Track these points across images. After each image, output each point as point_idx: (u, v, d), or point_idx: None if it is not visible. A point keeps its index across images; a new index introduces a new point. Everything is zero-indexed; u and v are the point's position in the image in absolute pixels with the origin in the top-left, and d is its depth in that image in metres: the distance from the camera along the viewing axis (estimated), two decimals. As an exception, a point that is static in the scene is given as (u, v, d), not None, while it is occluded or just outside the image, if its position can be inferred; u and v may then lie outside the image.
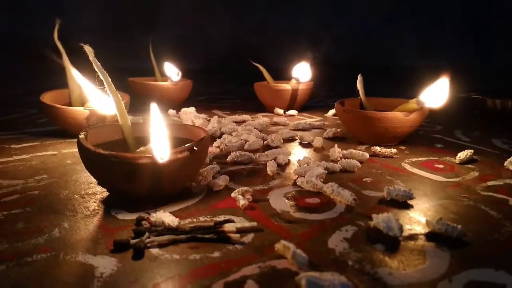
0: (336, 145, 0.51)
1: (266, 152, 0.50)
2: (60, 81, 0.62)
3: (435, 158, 0.52)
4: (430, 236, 0.31)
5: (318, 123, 0.73)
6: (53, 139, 0.58)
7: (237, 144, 0.54)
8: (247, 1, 1.88)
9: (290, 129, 0.67)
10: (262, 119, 0.73)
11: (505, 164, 0.48)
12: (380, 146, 0.54)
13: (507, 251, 0.29)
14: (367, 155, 0.50)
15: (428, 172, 0.46)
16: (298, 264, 0.26)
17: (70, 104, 0.61)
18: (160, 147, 0.34)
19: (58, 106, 0.57)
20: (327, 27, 1.89)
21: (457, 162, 0.49)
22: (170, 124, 0.43)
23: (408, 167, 0.48)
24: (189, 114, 0.76)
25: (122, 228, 0.31)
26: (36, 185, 0.40)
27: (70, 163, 0.48)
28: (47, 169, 0.45)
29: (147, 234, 0.29)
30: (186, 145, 0.36)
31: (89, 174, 0.38)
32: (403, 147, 0.57)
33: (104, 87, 0.40)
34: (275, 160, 0.48)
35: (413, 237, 0.31)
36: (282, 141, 0.58)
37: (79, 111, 0.56)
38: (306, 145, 0.58)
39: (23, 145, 0.55)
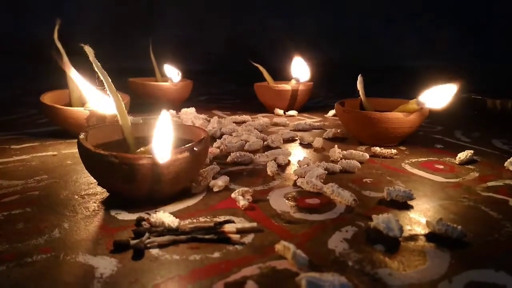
0: (336, 146, 0.51)
1: (266, 153, 0.50)
2: (60, 81, 0.62)
3: (435, 158, 0.52)
4: (430, 236, 0.31)
5: (318, 123, 0.73)
6: (53, 140, 0.58)
7: (237, 145, 0.54)
8: (247, 2, 1.88)
9: (290, 130, 0.67)
10: (262, 119, 0.73)
11: (505, 165, 0.48)
12: (380, 146, 0.54)
13: (508, 251, 0.29)
14: (367, 155, 0.50)
15: (428, 173, 0.46)
16: (298, 265, 0.26)
17: (70, 105, 0.61)
18: (160, 147, 0.34)
19: (58, 106, 0.57)
20: (327, 27, 1.89)
21: (457, 163, 0.49)
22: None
23: (408, 167, 0.48)
24: (189, 115, 0.76)
25: (122, 229, 0.31)
26: (36, 186, 0.40)
27: (70, 163, 0.48)
28: (47, 170, 0.45)
29: (147, 234, 0.29)
30: (186, 145, 0.36)
31: (89, 175, 0.38)
32: (403, 148, 0.57)
33: (104, 88, 0.40)
34: (275, 160, 0.48)
35: (413, 237, 0.31)
36: (282, 141, 0.58)
37: (79, 112, 0.56)
38: (306, 145, 0.58)
39: (23, 145, 0.55)
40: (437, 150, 0.56)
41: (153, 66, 0.90)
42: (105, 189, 0.38)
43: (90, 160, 0.35)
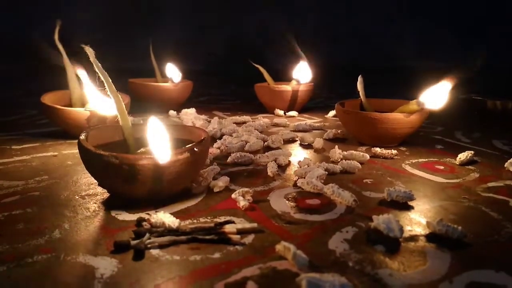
0: (336, 146, 0.51)
1: (266, 153, 0.50)
2: (60, 82, 0.62)
3: (436, 159, 0.52)
4: (430, 237, 0.31)
5: (318, 124, 0.73)
6: (54, 140, 0.58)
7: (238, 145, 0.54)
8: (248, 2, 1.88)
9: (291, 130, 0.67)
10: (262, 120, 0.73)
11: (505, 165, 0.48)
12: (380, 147, 0.54)
13: (508, 252, 0.29)
14: (367, 156, 0.50)
15: (428, 173, 0.46)
16: (299, 265, 0.26)
17: (70, 105, 0.61)
18: (160, 148, 0.34)
19: (59, 107, 0.57)
20: (328, 27, 1.89)
21: (458, 163, 0.49)
22: (171, 125, 0.43)
23: (408, 168, 0.48)
24: (190, 115, 0.76)
25: (122, 229, 0.31)
26: (37, 186, 0.40)
27: (71, 164, 0.48)
28: (47, 170, 0.45)
29: (147, 235, 0.29)
30: (187, 146, 0.36)
31: (90, 175, 0.38)
32: (403, 148, 0.57)
33: (105, 88, 0.40)
34: (275, 161, 0.48)
35: (413, 238, 0.31)
36: (282, 142, 0.58)
37: (79, 112, 0.56)
38: (306, 146, 0.58)
39: (24, 146, 0.55)
40: (438, 150, 0.56)
41: (153, 66, 0.90)
42: (105, 190, 0.38)
43: (91, 160, 0.35)
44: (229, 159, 0.49)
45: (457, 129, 0.70)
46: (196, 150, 0.36)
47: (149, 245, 0.28)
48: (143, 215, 0.33)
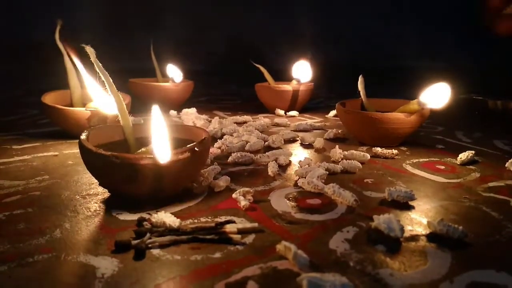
0: (337, 146, 0.51)
1: (267, 153, 0.50)
2: (61, 82, 0.62)
3: (436, 159, 0.52)
4: (431, 237, 0.31)
5: (319, 124, 0.73)
6: (54, 140, 0.58)
7: (238, 145, 0.54)
8: (248, 2, 1.88)
9: (291, 130, 0.67)
10: (263, 120, 0.73)
11: (506, 165, 0.48)
12: (381, 147, 0.54)
13: (509, 252, 0.29)
14: (368, 156, 0.50)
15: (429, 173, 0.46)
16: (299, 265, 0.26)
17: (71, 105, 0.61)
18: (161, 148, 0.34)
19: (60, 107, 0.57)
20: (328, 27, 1.89)
21: (458, 163, 0.49)
22: (171, 125, 0.43)
23: (409, 168, 0.48)
24: (190, 115, 0.76)
25: (123, 229, 0.31)
26: (38, 186, 0.40)
27: (72, 163, 0.48)
28: (48, 170, 0.45)
29: (148, 234, 0.29)
30: (188, 146, 0.36)
31: (90, 175, 0.38)
32: (404, 148, 0.57)
33: (106, 88, 0.40)
34: (276, 161, 0.48)
35: (414, 238, 0.31)
36: (283, 142, 0.58)
37: (80, 112, 0.56)
38: (307, 146, 0.58)
39: (24, 146, 0.55)
40: (438, 150, 0.56)
41: (154, 66, 0.90)
42: (106, 190, 0.38)
43: (92, 160, 0.35)
44: (230, 159, 0.49)
45: (458, 129, 0.70)
46: (197, 150, 0.36)
47: (149, 245, 0.28)
48: (144, 215, 0.33)
